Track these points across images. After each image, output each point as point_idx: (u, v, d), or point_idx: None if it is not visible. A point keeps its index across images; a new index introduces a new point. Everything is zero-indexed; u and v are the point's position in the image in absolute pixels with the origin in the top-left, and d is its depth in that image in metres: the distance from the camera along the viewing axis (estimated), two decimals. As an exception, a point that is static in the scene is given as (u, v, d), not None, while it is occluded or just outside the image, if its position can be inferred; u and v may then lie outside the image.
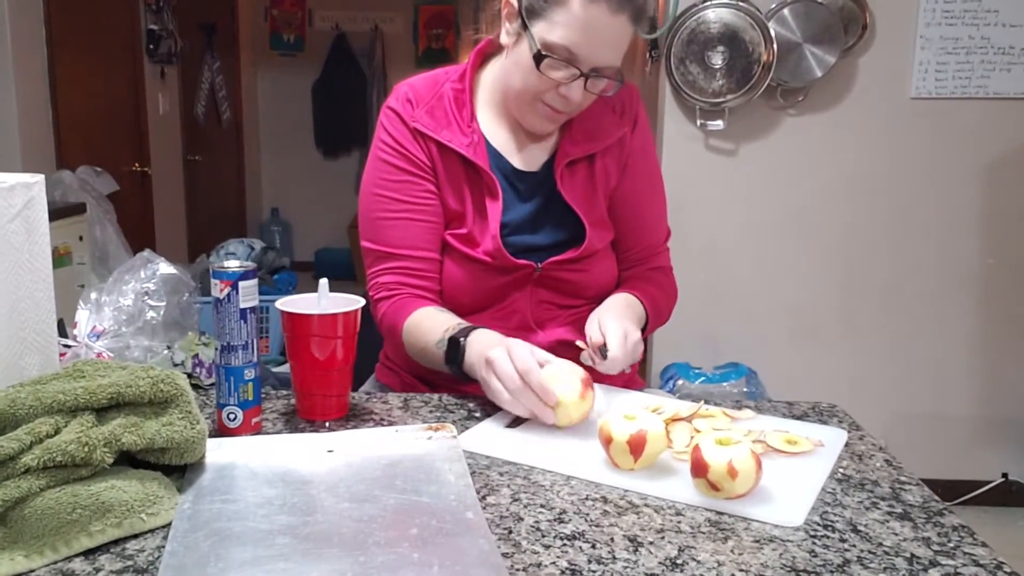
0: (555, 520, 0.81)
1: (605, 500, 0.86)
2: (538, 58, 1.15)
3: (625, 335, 1.13)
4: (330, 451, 0.95)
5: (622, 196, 1.33)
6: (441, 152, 1.25)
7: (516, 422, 1.05)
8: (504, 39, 1.23)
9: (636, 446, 0.88)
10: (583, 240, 1.26)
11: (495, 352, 1.03)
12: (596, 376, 1.09)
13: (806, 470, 0.92)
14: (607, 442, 0.91)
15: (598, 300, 1.35)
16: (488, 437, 1.01)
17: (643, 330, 1.27)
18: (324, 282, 1.08)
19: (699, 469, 0.84)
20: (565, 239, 1.28)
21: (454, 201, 1.27)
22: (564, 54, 1.15)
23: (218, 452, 0.93)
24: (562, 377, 1.02)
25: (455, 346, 1.13)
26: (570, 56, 1.15)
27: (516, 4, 1.18)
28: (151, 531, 0.78)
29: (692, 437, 0.97)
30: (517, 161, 1.29)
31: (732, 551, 0.76)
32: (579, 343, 1.15)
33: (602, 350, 1.12)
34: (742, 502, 0.84)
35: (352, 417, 1.08)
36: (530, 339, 1.29)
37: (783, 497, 0.86)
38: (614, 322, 1.15)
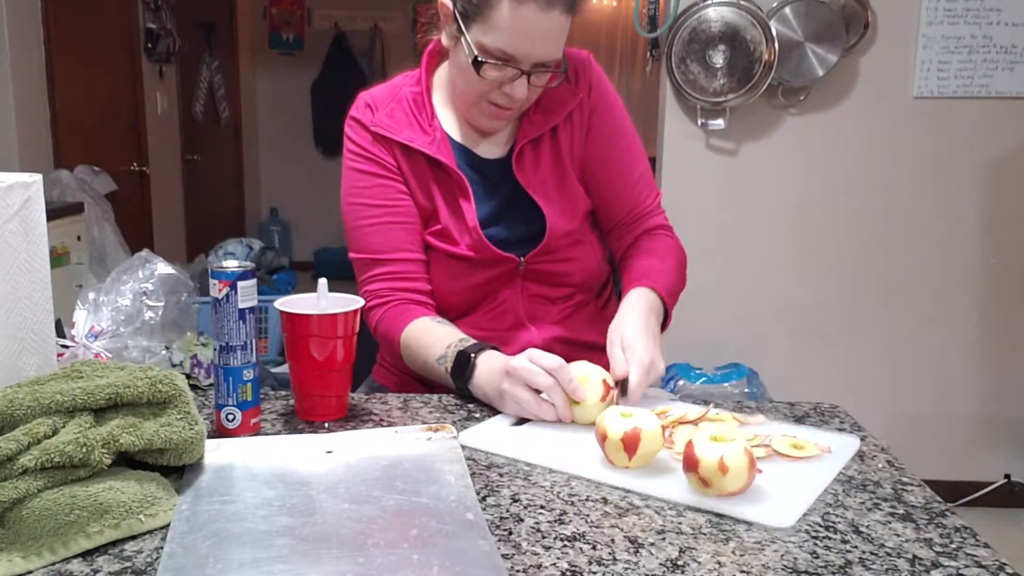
0: (555, 521, 0.81)
1: (605, 501, 0.86)
2: (476, 64, 1.15)
3: (648, 367, 1.08)
4: (329, 452, 0.95)
5: (593, 161, 1.31)
6: (405, 153, 1.25)
7: (521, 421, 1.05)
8: (445, 41, 1.23)
9: (630, 444, 0.88)
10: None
11: (516, 360, 1.03)
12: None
13: (808, 474, 0.91)
14: (602, 439, 0.91)
15: (589, 290, 1.34)
16: (491, 435, 1.00)
17: (663, 322, 1.25)
18: (323, 282, 1.07)
19: (690, 464, 0.84)
20: (537, 230, 1.27)
21: (424, 200, 1.27)
22: (501, 56, 1.14)
23: (217, 453, 0.93)
24: (584, 377, 1.03)
25: (464, 361, 1.11)
26: (507, 57, 1.14)
27: (451, 6, 1.18)
28: (149, 532, 0.78)
29: (693, 437, 0.97)
30: (481, 150, 1.29)
31: (733, 552, 0.76)
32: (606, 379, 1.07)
33: (622, 385, 1.08)
34: (734, 501, 0.83)
35: (351, 418, 1.07)
36: (524, 337, 1.29)
37: (777, 498, 0.85)
38: (639, 345, 1.10)
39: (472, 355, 1.11)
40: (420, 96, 1.28)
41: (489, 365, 1.09)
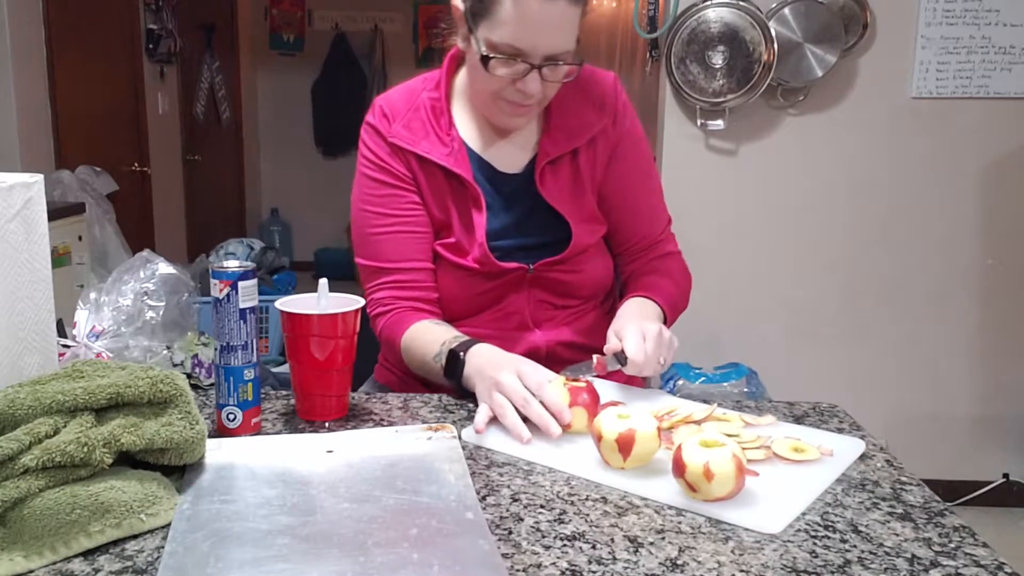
0: (555, 520, 0.81)
1: (605, 500, 0.86)
2: (484, 60, 1.16)
3: (642, 334, 1.11)
4: (330, 451, 0.95)
5: (613, 188, 1.32)
6: (421, 164, 1.25)
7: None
8: (460, 43, 1.23)
9: (624, 445, 0.88)
10: (570, 240, 1.26)
11: (504, 376, 1.03)
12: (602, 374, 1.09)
13: (805, 478, 0.90)
14: (598, 439, 0.91)
15: (595, 298, 1.35)
16: (491, 434, 1.00)
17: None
18: (324, 282, 1.08)
19: (678, 469, 0.84)
20: (553, 240, 1.27)
21: (438, 212, 1.27)
22: (509, 51, 1.14)
23: (217, 452, 0.93)
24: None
25: (454, 360, 1.12)
26: (515, 51, 1.14)
27: (461, 7, 1.18)
28: (150, 531, 0.78)
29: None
30: (499, 163, 1.28)
31: (733, 551, 0.76)
32: (596, 357, 1.13)
33: (619, 356, 1.11)
34: (721, 505, 0.83)
35: (352, 417, 1.07)
36: (530, 339, 1.29)
37: (768, 503, 0.84)
38: (629, 325, 1.13)
39: (461, 353, 1.12)
40: (439, 103, 1.27)
41: (477, 361, 1.09)
